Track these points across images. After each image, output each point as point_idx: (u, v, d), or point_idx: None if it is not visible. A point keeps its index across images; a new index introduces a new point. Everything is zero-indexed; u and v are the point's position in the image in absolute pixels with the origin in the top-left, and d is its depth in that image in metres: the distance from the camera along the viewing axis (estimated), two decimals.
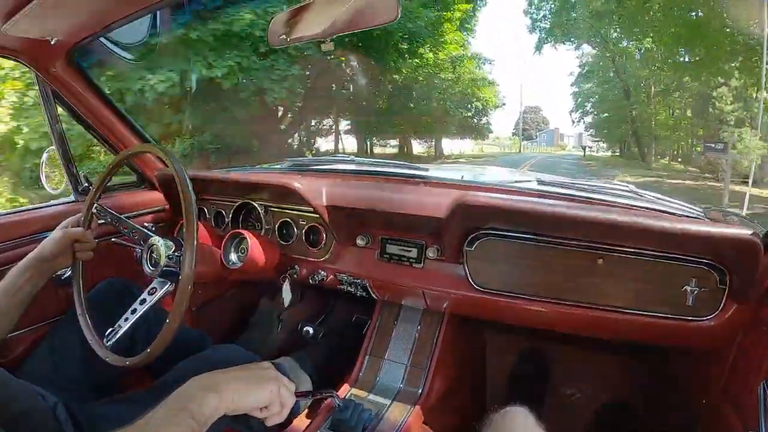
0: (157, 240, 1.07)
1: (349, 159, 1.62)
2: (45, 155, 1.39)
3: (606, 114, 20.05)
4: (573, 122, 22.90)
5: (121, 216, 1.18)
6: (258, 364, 0.74)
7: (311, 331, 1.43)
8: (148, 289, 1.07)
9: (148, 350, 0.93)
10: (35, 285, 1.04)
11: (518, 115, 32.95)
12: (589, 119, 21.79)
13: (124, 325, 1.04)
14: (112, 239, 1.27)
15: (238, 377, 0.69)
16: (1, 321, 0.99)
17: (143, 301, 1.06)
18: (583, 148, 26.11)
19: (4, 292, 0.99)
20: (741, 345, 1.00)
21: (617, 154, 21.68)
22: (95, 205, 1.15)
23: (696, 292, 0.96)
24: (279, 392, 0.71)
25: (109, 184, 1.20)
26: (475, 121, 19.81)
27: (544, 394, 1.55)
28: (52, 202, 1.39)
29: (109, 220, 1.18)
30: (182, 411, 0.62)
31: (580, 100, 21.69)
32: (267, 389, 0.70)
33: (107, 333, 1.04)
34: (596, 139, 23.62)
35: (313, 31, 1.02)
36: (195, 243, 0.93)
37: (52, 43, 1.18)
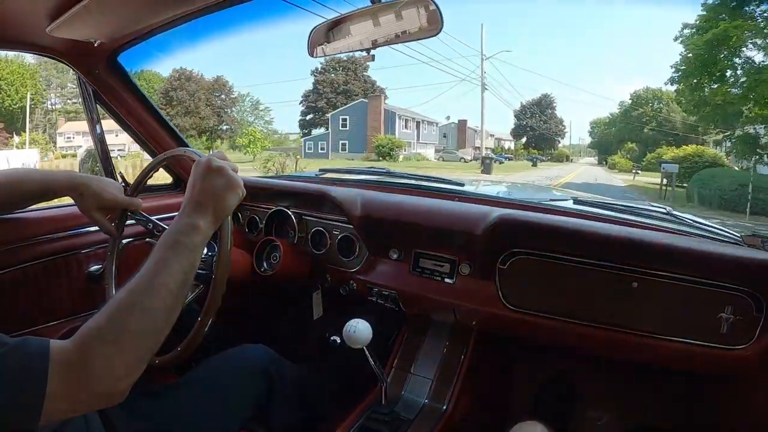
0: None
1: (384, 171, 1.60)
2: (84, 154, 1.41)
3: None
4: None
5: (152, 218, 1.17)
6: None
7: (338, 340, 1.43)
8: None
9: (179, 349, 0.93)
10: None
11: None
12: None
13: None
14: (147, 239, 1.29)
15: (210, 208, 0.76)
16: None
17: None
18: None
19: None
20: None
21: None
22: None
23: (731, 319, 0.92)
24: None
25: (146, 185, 1.20)
26: None
27: (569, 416, 1.51)
28: None
29: (143, 220, 1.16)
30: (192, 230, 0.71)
31: None
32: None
33: None
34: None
35: (354, 43, 1.01)
36: (229, 248, 0.93)
37: (95, 45, 1.20)
